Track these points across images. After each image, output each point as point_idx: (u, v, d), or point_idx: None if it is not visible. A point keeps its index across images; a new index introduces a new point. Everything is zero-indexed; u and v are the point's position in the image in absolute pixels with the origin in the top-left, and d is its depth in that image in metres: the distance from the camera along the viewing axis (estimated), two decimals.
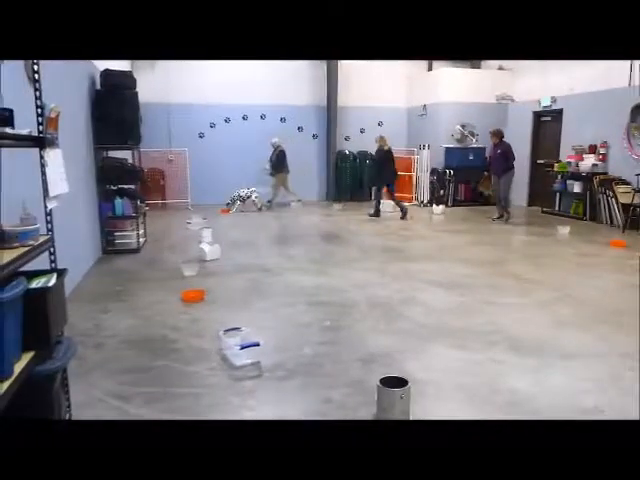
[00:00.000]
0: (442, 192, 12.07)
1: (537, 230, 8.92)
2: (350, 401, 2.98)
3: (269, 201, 11.35)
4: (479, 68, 12.70)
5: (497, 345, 3.79)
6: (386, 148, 10.17)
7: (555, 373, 3.34)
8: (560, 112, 10.83)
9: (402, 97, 13.64)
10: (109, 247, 6.90)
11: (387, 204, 11.51)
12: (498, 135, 9.59)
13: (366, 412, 2.81)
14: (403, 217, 9.89)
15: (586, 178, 9.62)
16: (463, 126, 12.17)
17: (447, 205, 11.66)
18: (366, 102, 13.18)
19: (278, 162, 11.25)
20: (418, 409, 2.77)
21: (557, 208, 10.67)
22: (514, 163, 9.46)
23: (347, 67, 12.66)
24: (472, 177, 12.21)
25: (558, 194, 10.62)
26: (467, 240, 7.97)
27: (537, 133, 11.82)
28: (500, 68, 12.53)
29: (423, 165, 12.29)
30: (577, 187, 9.88)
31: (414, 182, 12.52)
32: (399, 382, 2.75)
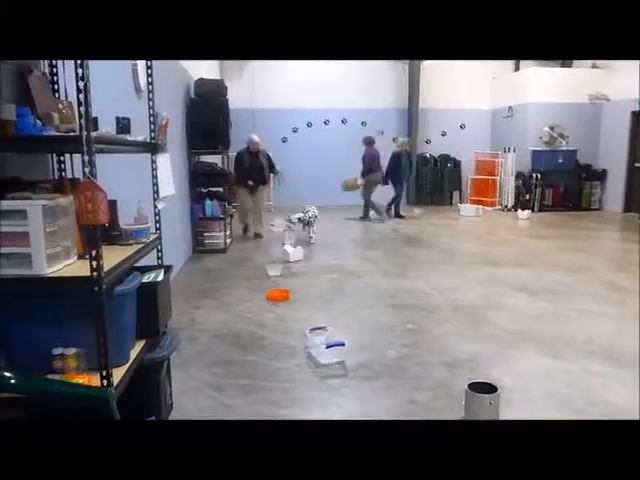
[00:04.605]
0: (528, 196, 11.63)
1: (633, 237, 8.37)
2: (436, 404, 2.98)
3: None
4: (570, 67, 12.12)
5: (590, 354, 3.63)
6: None
7: None
8: None
9: (486, 99, 13.29)
10: (198, 247, 7.24)
11: (467, 208, 11.29)
12: (366, 142, 10.34)
13: (453, 416, 2.80)
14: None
15: None
16: (552, 128, 11.66)
17: (533, 210, 11.23)
18: (448, 104, 12.95)
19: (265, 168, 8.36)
20: (507, 416, 2.73)
21: None
22: (374, 168, 10.03)
23: (429, 68, 12.51)
24: (561, 181, 11.69)
25: None
26: (555, 246, 7.64)
27: (636, 134, 11.10)
28: (594, 66, 11.88)
29: (508, 168, 11.91)
30: None
31: (497, 186, 12.16)
32: (486, 388, 2.72)
